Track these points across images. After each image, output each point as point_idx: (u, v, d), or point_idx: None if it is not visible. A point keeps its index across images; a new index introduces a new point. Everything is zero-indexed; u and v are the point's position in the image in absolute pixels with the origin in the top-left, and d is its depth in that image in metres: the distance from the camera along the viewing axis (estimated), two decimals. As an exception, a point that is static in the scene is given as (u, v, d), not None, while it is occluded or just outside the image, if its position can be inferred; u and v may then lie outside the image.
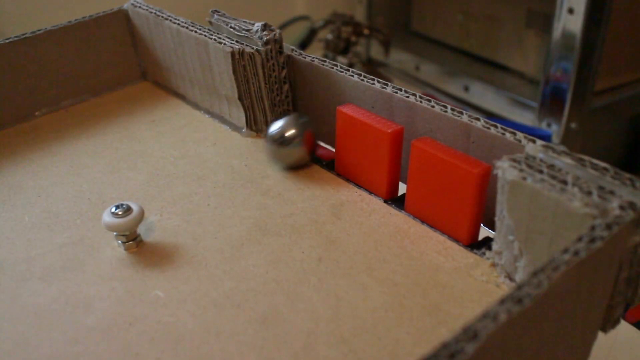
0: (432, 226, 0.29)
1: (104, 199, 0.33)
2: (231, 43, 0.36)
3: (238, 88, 0.36)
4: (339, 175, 0.34)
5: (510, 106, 0.89)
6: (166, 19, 0.40)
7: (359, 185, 0.33)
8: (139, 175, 0.35)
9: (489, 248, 0.27)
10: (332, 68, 0.34)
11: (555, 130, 0.81)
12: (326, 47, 0.98)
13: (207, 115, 0.41)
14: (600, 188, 0.22)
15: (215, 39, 0.36)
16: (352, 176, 0.33)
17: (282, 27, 1.01)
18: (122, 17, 0.44)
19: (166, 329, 0.24)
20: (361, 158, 0.32)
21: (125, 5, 0.44)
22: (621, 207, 0.21)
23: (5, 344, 0.24)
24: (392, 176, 0.31)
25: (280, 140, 0.33)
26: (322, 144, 0.37)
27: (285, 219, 0.30)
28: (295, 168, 0.34)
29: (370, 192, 0.32)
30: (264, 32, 0.35)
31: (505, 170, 0.24)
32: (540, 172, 0.23)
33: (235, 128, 0.39)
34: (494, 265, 0.26)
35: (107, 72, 0.45)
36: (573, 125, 0.79)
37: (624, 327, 0.35)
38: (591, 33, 0.73)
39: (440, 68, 1.00)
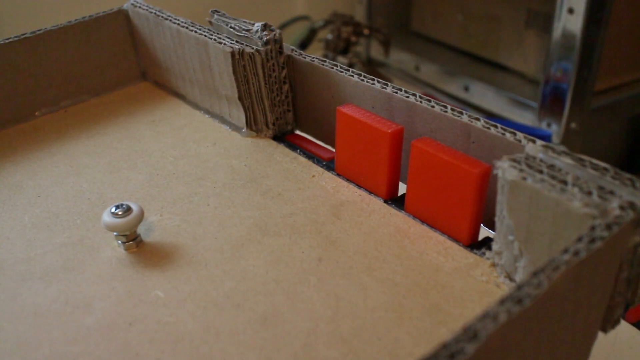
0: (432, 226, 0.29)
1: (104, 199, 0.33)
2: (231, 43, 0.36)
3: (238, 88, 0.36)
4: (338, 175, 0.34)
5: (510, 106, 0.89)
6: (166, 19, 0.40)
7: (359, 185, 0.33)
8: (139, 175, 0.35)
9: (489, 248, 0.27)
10: (332, 68, 0.34)
11: (555, 130, 0.81)
12: (326, 47, 0.98)
13: (207, 115, 0.41)
14: (600, 188, 0.22)
15: (215, 39, 0.36)
16: (352, 176, 0.33)
17: (282, 27, 1.01)
18: (122, 17, 0.44)
19: (166, 329, 0.24)
20: (361, 158, 0.32)
21: (125, 5, 0.44)
22: (621, 207, 0.21)
23: (5, 344, 0.24)
24: (392, 176, 0.31)
25: None
26: (322, 143, 0.37)
27: (285, 219, 0.30)
28: None
29: (370, 192, 0.32)
30: (264, 32, 0.35)
31: (505, 170, 0.24)
32: (540, 172, 0.23)
33: (235, 128, 0.39)
34: (494, 265, 0.26)
35: (107, 72, 0.45)
36: (573, 125, 0.79)
37: (624, 327, 0.35)
38: (591, 33, 0.73)
39: (440, 68, 1.00)
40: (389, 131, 0.30)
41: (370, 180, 0.32)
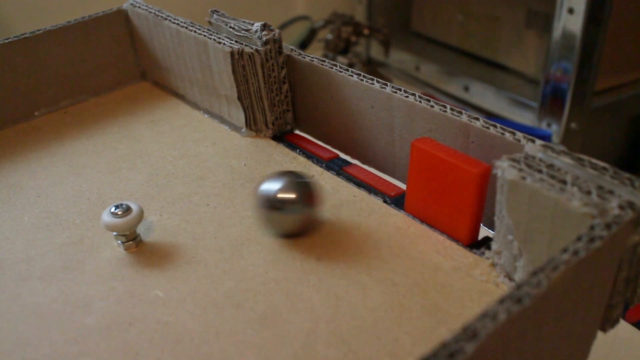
0: (431, 226, 0.29)
1: (104, 199, 0.33)
2: (230, 43, 0.36)
3: (237, 88, 0.36)
4: (338, 175, 0.34)
5: (510, 106, 0.89)
6: (165, 19, 0.40)
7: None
8: (138, 175, 0.35)
9: (489, 248, 0.27)
10: (332, 68, 0.34)
11: (555, 130, 0.81)
12: (326, 47, 0.98)
13: (206, 115, 0.41)
14: (600, 188, 0.22)
15: (214, 39, 0.36)
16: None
17: (282, 27, 1.01)
18: (122, 17, 0.44)
19: (166, 329, 0.24)
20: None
21: (125, 5, 0.44)
22: (620, 207, 0.21)
23: (5, 344, 0.24)
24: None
25: (275, 205, 0.28)
26: (322, 143, 0.37)
27: (285, 218, 0.30)
28: (291, 236, 0.29)
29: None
30: (264, 32, 0.35)
31: (504, 169, 0.24)
32: (540, 171, 0.23)
33: (235, 128, 0.39)
34: (493, 264, 0.26)
35: (106, 72, 0.45)
36: (573, 125, 0.79)
37: (623, 326, 0.35)
38: (591, 33, 0.73)
39: (440, 68, 1.00)
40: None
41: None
